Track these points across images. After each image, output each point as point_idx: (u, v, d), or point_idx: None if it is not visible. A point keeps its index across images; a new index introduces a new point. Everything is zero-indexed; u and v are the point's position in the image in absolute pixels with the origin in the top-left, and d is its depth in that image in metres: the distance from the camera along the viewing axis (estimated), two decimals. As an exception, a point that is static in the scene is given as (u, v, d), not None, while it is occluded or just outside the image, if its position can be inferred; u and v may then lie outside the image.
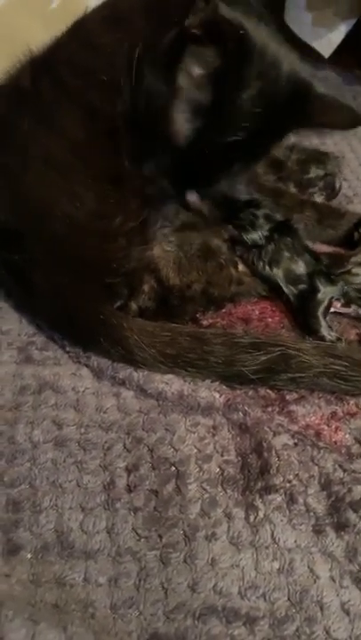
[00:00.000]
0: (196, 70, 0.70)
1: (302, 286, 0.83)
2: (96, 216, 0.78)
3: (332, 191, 1.04)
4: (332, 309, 0.82)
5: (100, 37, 0.84)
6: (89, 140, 0.80)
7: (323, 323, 0.80)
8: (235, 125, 0.73)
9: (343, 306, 0.83)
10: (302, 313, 0.82)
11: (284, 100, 0.74)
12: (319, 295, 0.82)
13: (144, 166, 0.79)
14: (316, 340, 0.79)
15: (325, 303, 0.81)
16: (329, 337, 0.79)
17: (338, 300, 0.82)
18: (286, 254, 0.84)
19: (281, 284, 0.84)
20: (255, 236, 0.86)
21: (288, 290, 0.84)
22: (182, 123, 0.74)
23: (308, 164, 1.04)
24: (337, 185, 1.04)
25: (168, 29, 0.79)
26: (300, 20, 1.32)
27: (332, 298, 0.82)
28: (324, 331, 0.79)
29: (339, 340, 0.78)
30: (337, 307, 0.82)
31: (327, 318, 0.81)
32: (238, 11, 0.73)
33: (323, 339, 0.79)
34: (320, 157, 1.06)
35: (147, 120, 0.76)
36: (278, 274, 0.84)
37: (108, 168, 0.79)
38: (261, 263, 0.85)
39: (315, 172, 1.03)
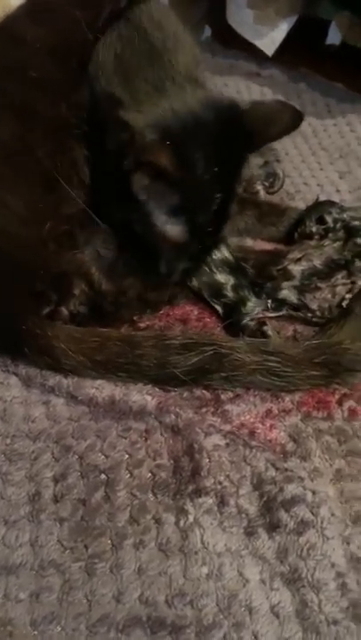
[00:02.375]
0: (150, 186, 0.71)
1: (226, 300, 0.82)
2: (25, 223, 0.76)
3: (274, 179, 1.03)
4: (267, 315, 0.81)
5: (26, 33, 0.83)
6: (20, 143, 0.78)
7: (253, 329, 0.79)
8: (211, 195, 0.75)
9: (275, 311, 0.82)
10: (230, 324, 0.81)
11: (224, 137, 0.75)
12: (245, 309, 0.80)
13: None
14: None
15: (252, 316, 0.80)
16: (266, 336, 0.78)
17: (265, 309, 0.81)
18: (205, 270, 0.83)
19: (205, 296, 0.82)
20: None
21: (213, 302, 0.82)
22: (172, 228, 0.75)
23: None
24: (279, 171, 1.03)
25: (99, 22, 0.81)
26: (242, 19, 1.32)
27: (259, 311, 0.81)
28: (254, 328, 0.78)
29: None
30: (267, 315, 0.81)
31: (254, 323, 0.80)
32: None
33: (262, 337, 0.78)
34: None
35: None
36: (200, 287, 0.83)
37: (39, 173, 0.78)
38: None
39: (253, 161, 1.02)
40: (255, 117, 0.78)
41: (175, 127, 0.73)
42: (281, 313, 0.82)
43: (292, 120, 0.82)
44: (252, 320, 0.80)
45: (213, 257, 0.84)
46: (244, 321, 0.80)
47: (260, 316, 0.81)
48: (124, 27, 0.83)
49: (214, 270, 0.83)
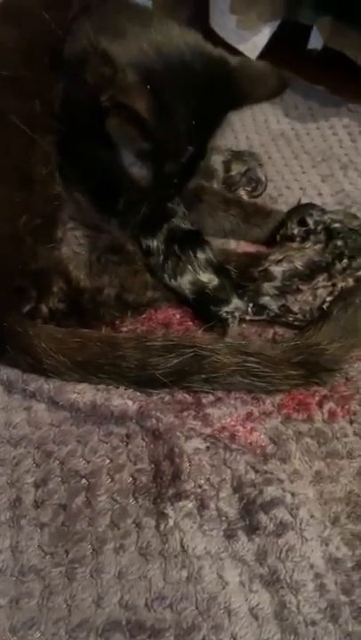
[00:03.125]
0: (122, 127, 0.71)
1: (208, 299, 0.82)
2: (0, 219, 0.76)
3: (257, 184, 1.03)
4: (248, 318, 0.82)
5: None
6: None
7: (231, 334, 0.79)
8: (183, 147, 0.74)
9: (255, 315, 0.82)
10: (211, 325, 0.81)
11: (209, 90, 0.74)
12: (225, 310, 0.81)
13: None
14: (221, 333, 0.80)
15: (233, 317, 0.80)
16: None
17: (246, 313, 0.82)
18: (189, 269, 0.83)
19: (187, 296, 0.83)
20: (150, 243, 0.85)
21: (195, 302, 0.83)
22: (138, 171, 0.74)
23: (230, 164, 1.04)
24: (261, 176, 1.04)
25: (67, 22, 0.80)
26: (224, 24, 1.32)
27: (240, 313, 0.81)
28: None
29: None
30: (246, 318, 0.82)
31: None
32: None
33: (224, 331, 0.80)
34: (238, 155, 1.06)
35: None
36: (183, 287, 0.83)
37: (12, 168, 0.78)
38: (166, 276, 0.83)
39: (236, 168, 1.03)
40: (243, 76, 0.78)
41: (159, 70, 0.72)
42: (262, 317, 0.82)
43: (278, 85, 0.83)
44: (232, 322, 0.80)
45: (198, 256, 0.84)
46: (228, 322, 0.80)
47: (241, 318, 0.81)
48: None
49: (198, 270, 0.84)
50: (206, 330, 0.80)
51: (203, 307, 0.82)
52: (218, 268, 0.84)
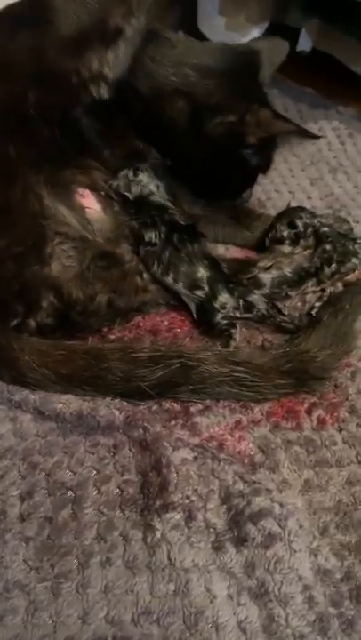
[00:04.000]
0: None
1: (201, 292, 0.81)
2: None
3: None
4: (237, 314, 0.81)
5: None
6: None
7: (220, 325, 0.79)
8: None
9: (245, 312, 0.82)
10: (202, 319, 0.81)
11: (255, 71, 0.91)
12: (216, 303, 0.80)
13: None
14: (224, 342, 0.79)
15: (224, 311, 0.80)
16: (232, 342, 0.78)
17: (237, 308, 0.81)
18: (185, 259, 0.83)
19: (179, 290, 0.82)
20: (152, 234, 0.84)
21: (186, 296, 0.82)
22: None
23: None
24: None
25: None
26: (213, 26, 1.31)
27: (231, 307, 0.81)
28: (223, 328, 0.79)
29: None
30: (237, 314, 0.81)
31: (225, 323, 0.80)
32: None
33: (228, 340, 0.79)
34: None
35: None
36: (177, 278, 0.82)
37: None
38: (160, 268, 0.83)
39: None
40: (265, 52, 0.92)
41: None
42: (251, 315, 0.82)
43: (285, 49, 0.97)
44: (223, 318, 0.80)
45: (194, 247, 0.84)
46: (217, 319, 0.80)
47: (231, 314, 0.81)
48: None
49: (193, 260, 0.83)
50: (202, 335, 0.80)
51: (200, 311, 0.82)
52: (212, 261, 0.85)
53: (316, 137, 1.05)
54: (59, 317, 0.78)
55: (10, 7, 0.92)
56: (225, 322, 0.80)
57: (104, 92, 0.86)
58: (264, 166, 0.96)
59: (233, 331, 0.80)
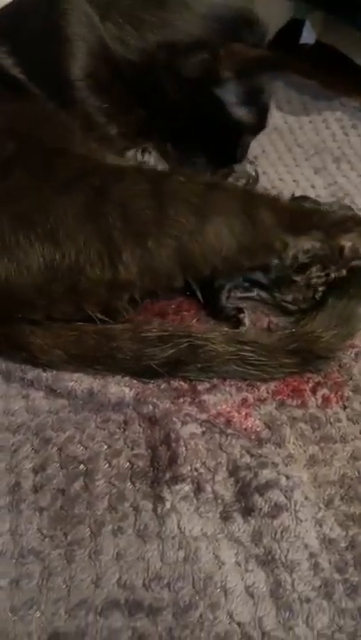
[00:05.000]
0: None
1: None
2: None
3: (248, 179, 1.04)
4: (239, 295, 0.83)
5: None
6: None
7: (228, 310, 0.80)
8: None
9: (245, 290, 0.83)
10: (208, 303, 0.83)
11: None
12: (216, 284, 0.82)
13: None
14: (232, 326, 0.80)
15: (224, 292, 0.82)
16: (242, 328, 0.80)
17: (237, 288, 0.83)
18: None
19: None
20: None
21: (193, 284, 0.84)
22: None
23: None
24: (252, 172, 1.04)
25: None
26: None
27: (230, 287, 0.82)
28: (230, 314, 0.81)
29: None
30: (237, 295, 0.83)
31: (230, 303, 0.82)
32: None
33: (236, 325, 0.80)
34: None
35: None
36: None
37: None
38: None
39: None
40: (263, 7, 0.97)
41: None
42: (252, 294, 0.83)
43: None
44: (228, 301, 0.81)
45: None
46: (222, 302, 0.81)
47: (232, 295, 0.82)
48: None
49: None
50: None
51: (205, 294, 0.83)
52: None
53: (286, 66, 1.10)
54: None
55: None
56: (232, 306, 0.82)
57: None
58: (255, 126, 0.96)
59: (242, 315, 0.82)
